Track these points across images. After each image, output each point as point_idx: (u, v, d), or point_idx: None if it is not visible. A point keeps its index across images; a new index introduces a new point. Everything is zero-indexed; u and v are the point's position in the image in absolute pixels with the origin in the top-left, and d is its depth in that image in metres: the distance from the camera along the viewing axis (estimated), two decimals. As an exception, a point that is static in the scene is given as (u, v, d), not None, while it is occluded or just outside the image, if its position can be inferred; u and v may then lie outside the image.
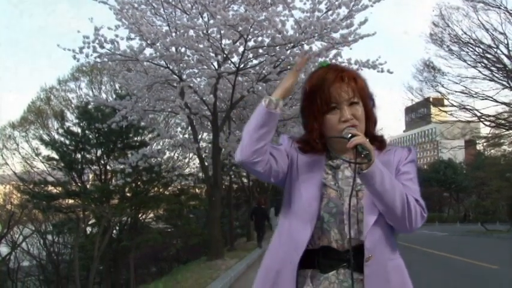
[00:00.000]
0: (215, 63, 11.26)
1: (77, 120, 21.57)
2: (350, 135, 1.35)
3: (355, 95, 1.44)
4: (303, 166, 1.49)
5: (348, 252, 1.39)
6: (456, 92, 24.36)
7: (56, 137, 22.22)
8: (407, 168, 1.50)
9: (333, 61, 11.31)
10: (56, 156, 21.51)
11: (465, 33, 22.54)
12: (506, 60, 22.38)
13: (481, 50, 22.73)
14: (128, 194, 20.92)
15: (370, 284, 1.38)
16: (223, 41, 10.64)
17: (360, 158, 1.33)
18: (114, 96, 20.79)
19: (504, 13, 20.94)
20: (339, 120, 1.42)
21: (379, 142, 1.51)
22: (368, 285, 1.38)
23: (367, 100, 1.49)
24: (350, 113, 1.42)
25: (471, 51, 22.88)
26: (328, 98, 1.42)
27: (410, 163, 1.51)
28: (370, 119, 1.50)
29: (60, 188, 21.41)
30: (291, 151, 1.53)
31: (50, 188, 21.74)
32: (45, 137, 22.33)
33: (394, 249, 1.44)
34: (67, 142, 21.43)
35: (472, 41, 22.50)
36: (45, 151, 22.13)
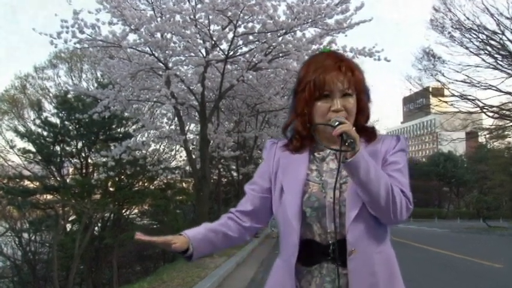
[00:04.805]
0: (203, 51, 11.26)
1: (55, 111, 21.49)
2: (337, 122, 1.40)
3: (350, 87, 1.48)
4: (287, 166, 1.56)
5: (330, 247, 1.45)
6: (457, 81, 24.55)
7: (33, 128, 22.14)
8: (395, 157, 1.52)
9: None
10: (33, 149, 21.42)
11: (468, 18, 22.55)
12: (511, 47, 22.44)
13: (484, 36, 22.75)
14: (111, 189, 20.91)
15: (354, 279, 1.43)
16: (212, 27, 10.66)
17: (344, 147, 1.37)
18: (95, 84, 20.75)
19: (512, -4, 20.93)
20: (329, 109, 1.47)
21: (369, 133, 1.55)
22: (352, 280, 1.43)
23: (362, 93, 1.53)
24: (341, 104, 1.47)
25: (474, 37, 22.94)
26: (322, 85, 1.47)
27: (400, 152, 1.54)
28: (362, 113, 1.54)
29: (37, 183, 21.33)
30: (275, 158, 1.60)
31: (26, 182, 21.64)
32: (21, 128, 22.24)
33: (381, 241, 1.48)
34: (45, 134, 21.36)
35: (475, 27, 22.51)
36: (20, 143, 22.05)
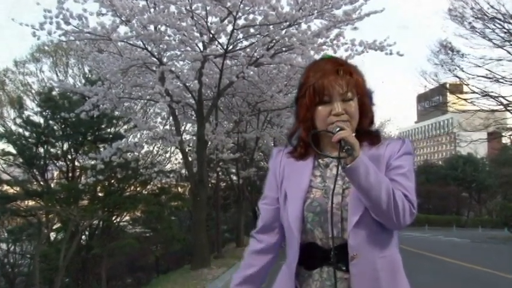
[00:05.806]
0: (200, 45, 11.35)
1: (38, 109, 21.53)
2: (338, 129, 1.52)
3: (350, 91, 1.60)
4: (291, 173, 1.71)
5: (331, 251, 1.58)
6: (478, 76, 24.18)
7: (13, 128, 22.19)
8: (399, 161, 1.62)
9: (334, 42, 11.46)
10: (13, 151, 21.43)
11: (492, 6, 22.01)
12: (542, 38, 22.17)
13: (511, 26, 22.42)
14: (100, 194, 20.97)
15: (356, 283, 1.55)
16: (210, 19, 10.74)
17: (342, 153, 1.49)
18: (83, 81, 20.84)
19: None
20: (330, 113, 1.60)
21: (373, 137, 1.68)
22: (354, 284, 1.56)
23: (364, 97, 1.66)
24: (342, 108, 1.60)
25: (499, 28, 22.52)
26: (321, 90, 1.60)
27: (405, 156, 1.64)
28: (366, 116, 1.67)
29: (18, 188, 21.37)
30: (281, 166, 1.75)
31: (5, 187, 21.67)
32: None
33: (385, 246, 1.60)
34: (27, 134, 21.41)
35: (500, 16, 22.03)
36: (-1, 145, 22.03)
